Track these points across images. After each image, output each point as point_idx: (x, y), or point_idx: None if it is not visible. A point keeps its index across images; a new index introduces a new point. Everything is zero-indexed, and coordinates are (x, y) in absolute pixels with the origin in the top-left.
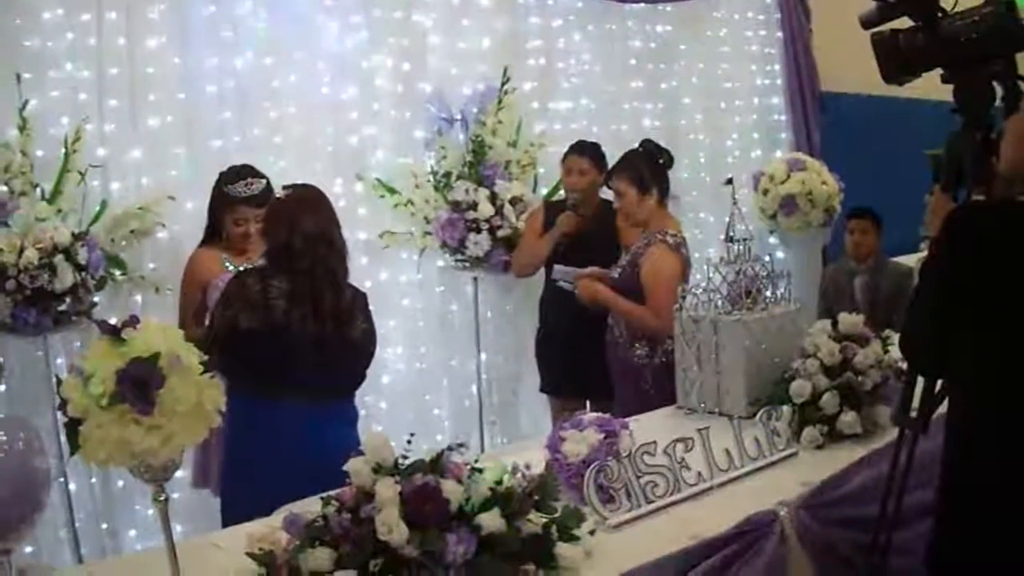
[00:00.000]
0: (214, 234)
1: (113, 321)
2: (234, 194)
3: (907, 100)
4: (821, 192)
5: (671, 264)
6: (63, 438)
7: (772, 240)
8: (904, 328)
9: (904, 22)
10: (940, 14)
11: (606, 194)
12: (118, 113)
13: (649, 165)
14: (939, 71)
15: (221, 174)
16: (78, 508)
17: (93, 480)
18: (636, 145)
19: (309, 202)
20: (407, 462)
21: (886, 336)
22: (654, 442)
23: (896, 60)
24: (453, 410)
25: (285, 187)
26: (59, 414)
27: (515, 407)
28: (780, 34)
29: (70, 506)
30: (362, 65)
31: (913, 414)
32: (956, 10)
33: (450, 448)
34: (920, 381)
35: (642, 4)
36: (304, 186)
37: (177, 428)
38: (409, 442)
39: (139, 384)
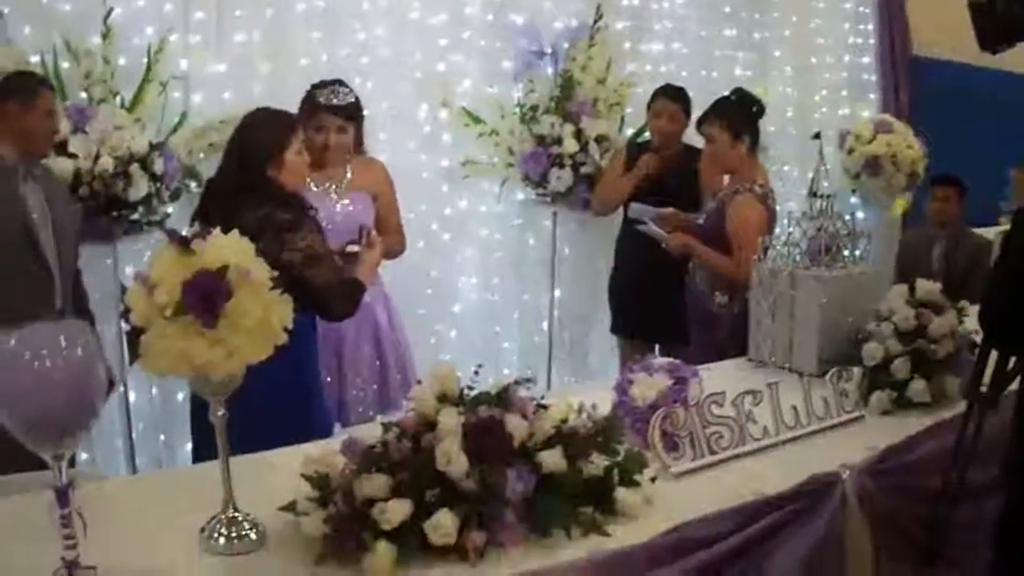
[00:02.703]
0: None
1: (185, 233)
2: (320, 99)
3: (999, 71)
4: (906, 156)
5: (758, 214)
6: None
7: (853, 200)
8: (984, 300)
9: None
10: None
11: (687, 139)
12: (203, 26)
13: (742, 113)
14: None
15: (312, 85)
16: (136, 419)
17: (154, 391)
18: (726, 93)
19: None
20: (472, 393)
21: (961, 306)
22: (723, 392)
23: (992, 27)
24: (522, 344)
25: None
26: (123, 322)
27: (585, 346)
28: None
29: (128, 416)
30: None
31: (983, 389)
32: None
33: (517, 382)
34: (993, 356)
35: None
36: None
37: (241, 343)
38: (476, 373)
39: (205, 296)
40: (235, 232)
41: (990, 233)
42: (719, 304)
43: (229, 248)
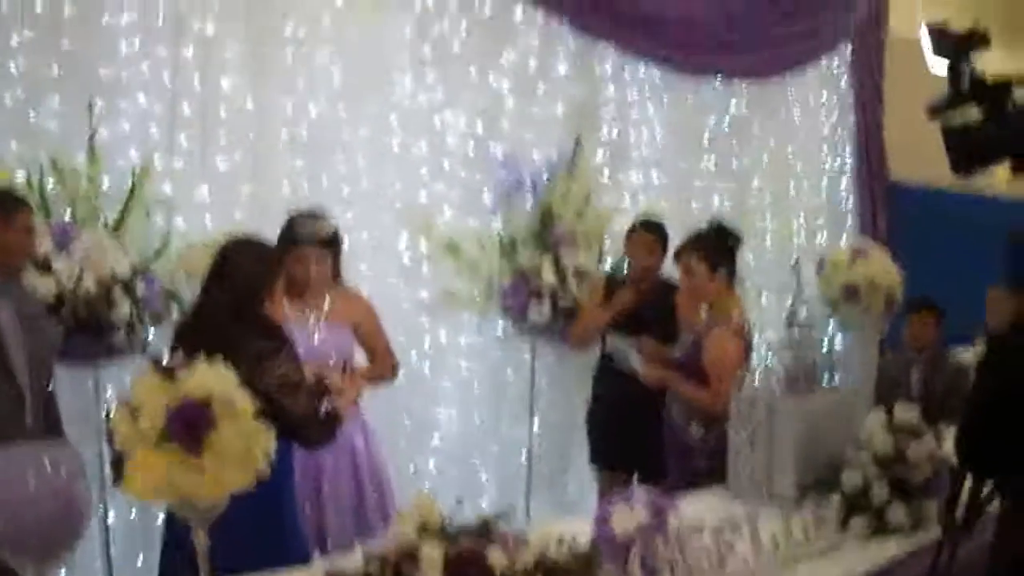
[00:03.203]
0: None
1: (166, 359)
2: (301, 230)
3: (972, 195)
4: (884, 281)
5: (734, 347)
6: (106, 469)
7: (832, 326)
8: (960, 425)
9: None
10: (1012, 106)
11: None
12: (187, 150)
13: (719, 245)
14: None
15: (289, 215)
16: (115, 540)
17: (133, 514)
18: (704, 223)
19: None
20: (453, 526)
21: (939, 430)
22: (702, 523)
23: (966, 151)
24: (501, 476)
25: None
26: (106, 447)
27: (564, 477)
28: (853, 118)
29: (107, 538)
30: (435, 122)
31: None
32: None
33: (496, 516)
34: (969, 482)
35: (718, 80)
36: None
37: (225, 472)
38: (458, 504)
39: (190, 424)
40: (219, 361)
41: (968, 354)
42: (696, 436)
43: (213, 377)
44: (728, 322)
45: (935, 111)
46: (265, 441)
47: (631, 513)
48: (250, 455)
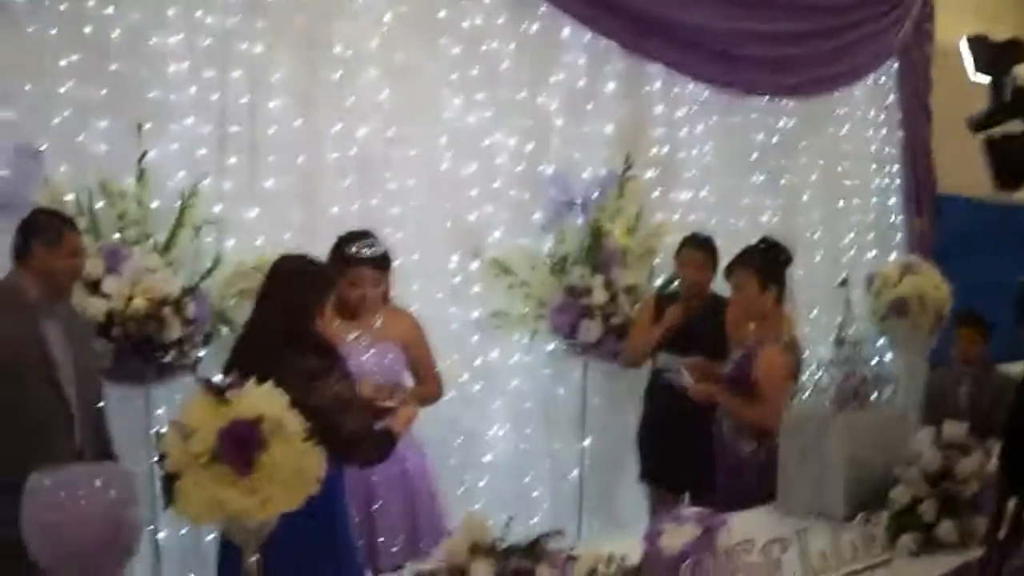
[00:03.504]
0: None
1: (217, 378)
2: (355, 252)
3: (1020, 206)
4: (933, 297)
5: (785, 364)
6: (157, 487)
7: (881, 342)
8: (1002, 444)
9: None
10: None
11: (716, 287)
12: (237, 171)
13: (770, 262)
14: None
15: (340, 237)
16: (166, 559)
17: (183, 532)
18: (754, 240)
19: None
20: (503, 544)
21: (988, 445)
22: (751, 540)
23: (1008, 164)
24: (552, 493)
25: None
26: (156, 466)
27: (615, 495)
28: (901, 133)
29: (158, 556)
30: (484, 142)
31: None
32: None
33: (547, 534)
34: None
35: (766, 98)
36: None
37: (275, 492)
38: (507, 524)
39: (240, 445)
40: (270, 382)
41: (1016, 368)
42: (746, 451)
43: (264, 398)
44: (779, 338)
45: (977, 125)
46: (316, 461)
47: (681, 530)
48: (300, 476)
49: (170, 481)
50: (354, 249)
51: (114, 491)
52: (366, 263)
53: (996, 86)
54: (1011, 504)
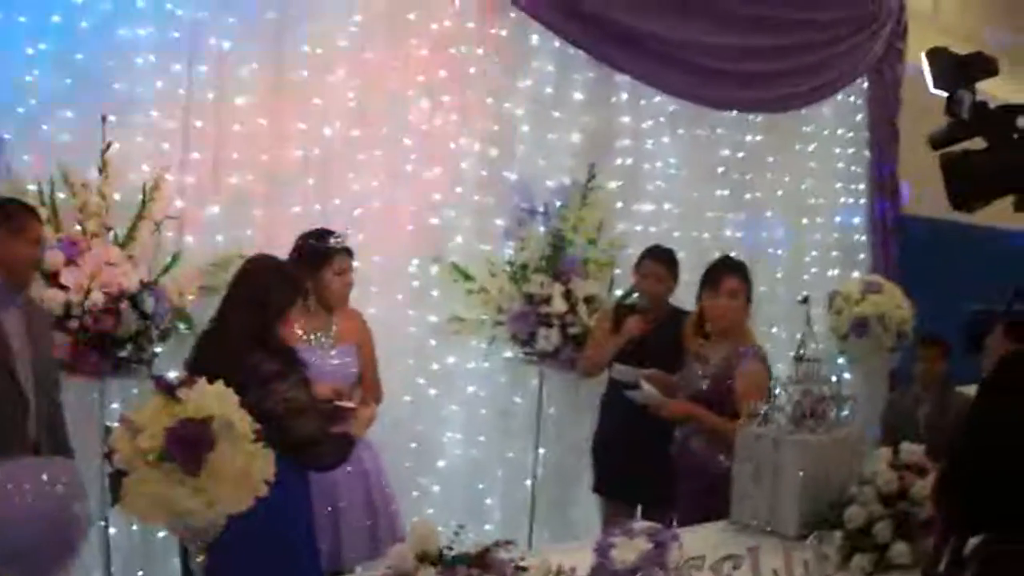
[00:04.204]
0: None
1: (172, 375)
2: (334, 243)
3: (984, 226)
4: (895, 316)
5: (765, 378)
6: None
7: (840, 361)
8: (951, 470)
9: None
10: (1016, 135)
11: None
12: (199, 166)
13: (746, 274)
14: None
15: (304, 235)
16: (116, 554)
17: (134, 527)
18: (717, 254)
19: None
20: (451, 553)
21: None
22: (703, 557)
23: (967, 184)
24: (505, 501)
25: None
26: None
27: (568, 505)
28: (867, 153)
29: (108, 551)
30: (449, 146)
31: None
32: None
33: (497, 544)
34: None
35: (734, 112)
36: None
37: (222, 493)
38: (456, 533)
39: (188, 444)
40: (220, 382)
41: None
42: (724, 466)
43: (214, 398)
44: (757, 351)
45: (937, 142)
46: (263, 464)
47: (632, 544)
48: (248, 477)
49: (118, 477)
50: (332, 240)
51: (60, 487)
52: (347, 252)
53: (953, 102)
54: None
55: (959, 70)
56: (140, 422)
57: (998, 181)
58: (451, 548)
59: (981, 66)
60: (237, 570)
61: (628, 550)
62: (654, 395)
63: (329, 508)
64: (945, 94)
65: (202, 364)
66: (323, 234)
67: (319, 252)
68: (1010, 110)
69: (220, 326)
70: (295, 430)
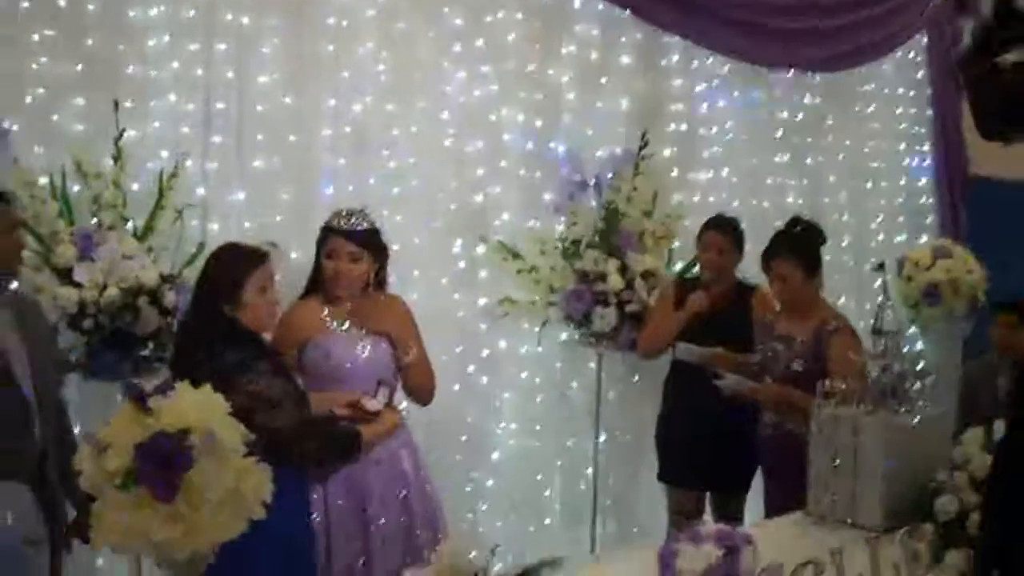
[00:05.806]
0: (316, 283)
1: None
2: (332, 223)
3: None
4: (966, 281)
5: (858, 350)
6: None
7: (911, 330)
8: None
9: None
10: None
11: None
12: (222, 151)
13: (812, 246)
14: None
15: (334, 212)
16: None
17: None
18: (779, 223)
19: None
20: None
21: None
22: (780, 565)
23: (998, 105)
24: (565, 493)
25: None
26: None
27: (632, 494)
28: (930, 112)
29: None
30: (490, 118)
31: None
32: None
33: (539, 565)
34: None
35: (790, 73)
36: None
37: (205, 520)
38: (492, 553)
39: (161, 463)
40: (207, 387)
41: None
42: None
43: (195, 406)
44: (845, 325)
45: (965, 60)
46: (259, 480)
47: (699, 552)
48: (240, 497)
49: (84, 504)
50: (334, 220)
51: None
52: (341, 234)
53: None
54: None
55: None
56: (107, 437)
57: None
58: (484, 571)
59: None
60: None
61: (695, 559)
62: (742, 382)
63: (364, 509)
64: None
65: (174, 366)
66: (339, 213)
67: (320, 236)
68: None
69: (184, 324)
70: (267, 425)
